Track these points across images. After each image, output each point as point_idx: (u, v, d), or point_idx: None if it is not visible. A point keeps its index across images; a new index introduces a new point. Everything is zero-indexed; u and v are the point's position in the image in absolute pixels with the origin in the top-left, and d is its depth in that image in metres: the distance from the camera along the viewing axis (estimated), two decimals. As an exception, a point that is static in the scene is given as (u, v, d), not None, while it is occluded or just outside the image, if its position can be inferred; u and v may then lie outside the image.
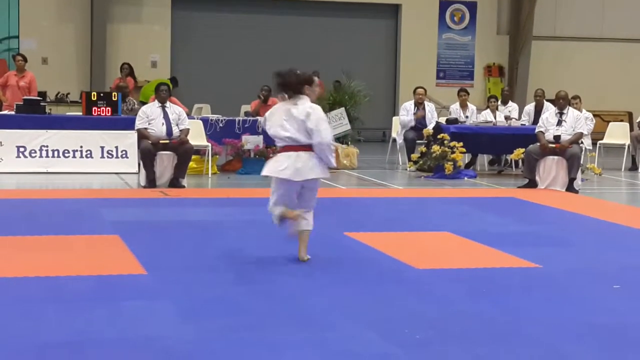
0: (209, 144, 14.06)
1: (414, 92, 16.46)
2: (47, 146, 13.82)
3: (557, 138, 13.02)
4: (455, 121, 15.53)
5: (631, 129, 17.26)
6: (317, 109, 7.38)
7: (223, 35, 22.22)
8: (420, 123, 15.99)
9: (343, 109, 16.08)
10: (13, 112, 14.60)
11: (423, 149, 15.07)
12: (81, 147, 13.92)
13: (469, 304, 6.21)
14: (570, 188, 12.90)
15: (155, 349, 5.04)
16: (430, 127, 15.56)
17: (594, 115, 16.61)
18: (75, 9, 21.16)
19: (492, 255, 8.01)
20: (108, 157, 13.99)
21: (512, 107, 17.05)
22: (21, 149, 13.75)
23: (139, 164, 13.08)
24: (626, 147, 16.66)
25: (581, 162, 13.30)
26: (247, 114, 15.85)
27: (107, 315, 5.67)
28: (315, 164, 7.32)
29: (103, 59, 21.06)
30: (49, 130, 13.90)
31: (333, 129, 15.96)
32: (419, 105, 16.25)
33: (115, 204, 10.71)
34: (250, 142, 14.35)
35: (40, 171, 13.67)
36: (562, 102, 13.24)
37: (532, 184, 13.08)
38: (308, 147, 7.30)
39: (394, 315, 5.85)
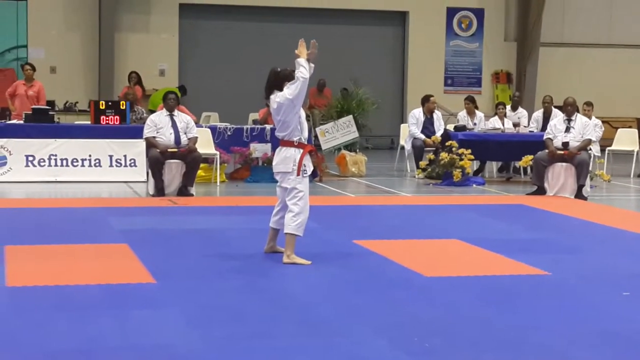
0: (217, 152, 14.06)
1: (427, 100, 16.15)
2: (55, 155, 13.85)
3: (565, 145, 12.99)
4: (463, 128, 15.51)
5: (640, 135, 17.23)
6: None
7: (231, 43, 22.26)
8: (429, 130, 15.94)
9: (351, 116, 16.07)
10: (22, 122, 14.64)
11: (431, 156, 15.06)
12: (90, 155, 13.94)
13: (478, 312, 6.20)
14: (579, 195, 12.87)
15: (164, 357, 5.04)
16: (438, 134, 15.55)
17: (603, 122, 16.57)
18: (83, 18, 21.22)
19: (500, 262, 7.99)
20: (116, 165, 14.02)
21: (522, 114, 16.97)
22: (30, 158, 13.78)
23: (147, 173, 13.09)
24: (635, 153, 16.61)
25: (590, 168, 13.28)
26: (255, 122, 15.84)
27: (115, 324, 5.67)
28: (282, 159, 7.73)
29: (111, 67, 21.10)
30: (57, 139, 13.93)
31: (341, 136, 16.07)
32: (430, 113, 16.10)
33: (123, 212, 10.72)
34: (259, 150, 14.35)
35: (49, 180, 13.69)
36: (570, 109, 13.22)
37: (541, 190, 13.05)
38: (284, 142, 7.73)
39: (403, 322, 5.85)
